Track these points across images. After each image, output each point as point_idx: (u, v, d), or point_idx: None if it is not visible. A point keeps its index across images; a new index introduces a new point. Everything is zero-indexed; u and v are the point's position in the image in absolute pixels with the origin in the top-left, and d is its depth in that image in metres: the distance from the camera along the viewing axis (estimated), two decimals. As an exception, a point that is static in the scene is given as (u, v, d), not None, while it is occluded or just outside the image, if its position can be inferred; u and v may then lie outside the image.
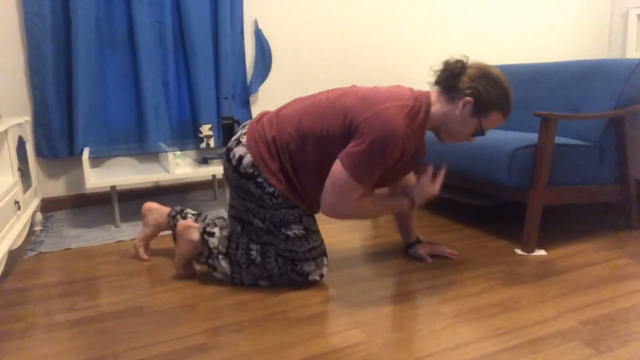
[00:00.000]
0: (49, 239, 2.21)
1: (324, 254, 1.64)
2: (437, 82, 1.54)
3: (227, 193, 1.73)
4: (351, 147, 1.43)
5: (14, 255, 2.03)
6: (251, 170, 1.53)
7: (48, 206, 2.68)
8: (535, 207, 1.87)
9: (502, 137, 2.00)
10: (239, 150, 1.56)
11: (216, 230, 1.67)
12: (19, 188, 1.99)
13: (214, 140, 2.70)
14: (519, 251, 1.92)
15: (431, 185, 1.59)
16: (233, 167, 1.57)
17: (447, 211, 2.51)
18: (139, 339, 1.36)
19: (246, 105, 3.01)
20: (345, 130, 1.46)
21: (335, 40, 3.20)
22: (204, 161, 2.66)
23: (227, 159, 1.60)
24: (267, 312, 1.48)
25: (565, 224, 2.26)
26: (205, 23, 2.75)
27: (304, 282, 1.64)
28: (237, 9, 2.86)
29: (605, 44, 4.11)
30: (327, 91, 1.60)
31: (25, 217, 1.99)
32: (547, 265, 1.78)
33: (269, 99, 3.09)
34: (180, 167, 2.62)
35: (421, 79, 3.49)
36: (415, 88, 3.49)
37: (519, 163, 1.86)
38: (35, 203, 2.25)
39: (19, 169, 2.05)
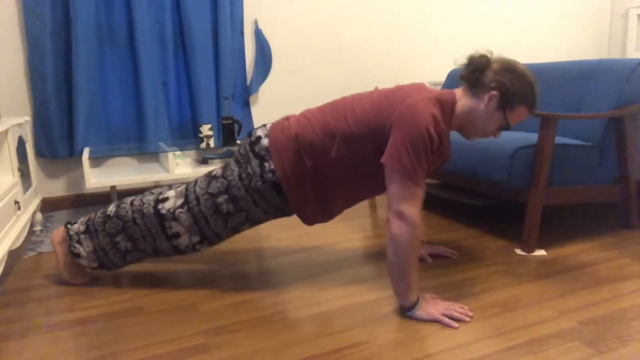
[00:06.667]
0: (49, 238, 2.21)
1: (209, 246, 1.64)
2: (462, 77, 1.53)
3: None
4: (391, 146, 1.41)
5: (14, 255, 2.03)
6: (263, 153, 1.54)
7: (48, 206, 2.68)
8: (535, 207, 1.87)
9: (502, 137, 2.00)
10: (260, 131, 1.59)
11: (79, 220, 1.70)
12: (19, 188, 1.99)
13: (214, 140, 2.71)
14: (519, 251, 1.92)
15: (436, 309, 1.43)
16: (250, 142, 1.59)
17: (447, 211, 2.51)
18: (139, 339, 1.36)
19: (246, 105, 3.01)
20: (375, 129, 1.45)
21: (335, 40, 3.20)
22: (204, 161, 2.66)
23: (248, 135, 1.62)
24: (267, 312, 1.48)
25: (565, 224, 2.26)
26: (205, 23, 2.75)
27: (158, 232, 1.59)
28: (237, 9, 2.86)
29: (605, 44, 4.11)
30: (351, 95, 1.60)
31: (25, 217, 1.99)
32: (547, 265, 1.78)
33: (269, 99, 3.09)
34: (180, 167, 2.62)
35: (421, 78, 3.49)
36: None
37: (519, 163, 1.86)
38: (35, 203, 2.25)
39: (19, 169, 2.05)
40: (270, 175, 1.51)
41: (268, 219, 1.63)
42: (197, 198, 1.57)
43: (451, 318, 1.40)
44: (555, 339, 1.29)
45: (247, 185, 1.54)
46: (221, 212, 1.56)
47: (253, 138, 1.58)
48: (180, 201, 1.58)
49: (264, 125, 1.62)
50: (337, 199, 1.57)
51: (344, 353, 1.26)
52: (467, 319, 1.40)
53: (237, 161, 1.59)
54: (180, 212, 1.57)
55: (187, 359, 1.25)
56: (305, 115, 1.58)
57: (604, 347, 1.25)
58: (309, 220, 1.61)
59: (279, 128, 1.56)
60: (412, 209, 1.38)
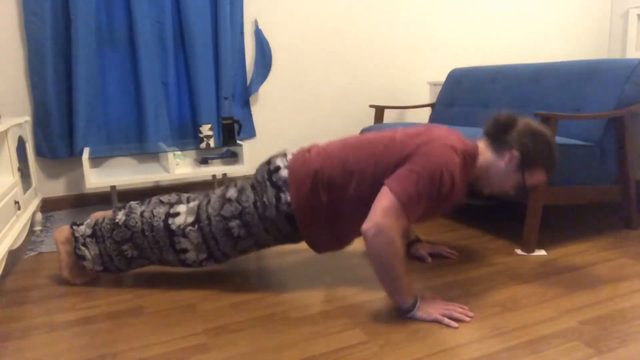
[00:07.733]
0: (49, 239, 2.21)
1: (215, 263, 1.64)
2: (487, 134, 1.55)
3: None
4: (400, 172, 1.39)
5: (14, 255, 2.03)
6: (281, 184, 1.54)
7: (48, 206, 2.68)
8: (535, 207, 1.87)
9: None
10: (279, 162, 1.58)
11: (85, 222, 1.69)
12: (19, 188, 1.99)
13: (214, 140, 2.71)
14: (519, 251, 1.92)
15: (436, 309, 1.43)
16: (268, 170, 1.57)
17: (447, 211, 2.51)
18: (139, 339, 1.36)
19: (246, 105, 3.01)
20: (394, 169, 1.43)
21: (335, 40, 3.20)
22: (204, 161, 2.66)
23: (267, 162, 1.61)
24: (267, 312, 1.48)
25: (565, 224, 2.26)
26: (205, 23, 2.76)
27: (166, 245, 1.58)
28: (237, 9, 2.86)
29: (605, 44, 4.12)
30: (375, 133, 1.59)
31: (25, 217, 1.99)
32: (547, 265, 1.78)
33: (269, 99, 3.09)
34: (180, 167, 2.62)
35: (420, 78, 3.49)
36: (416, 89, 3.49)
37: (519, 163, 1.86)
38: (35, 203, 2.25)
39: (19, 169, 2.05)
40: (285, 207, 1.52)
41: (276, 245, 1.64)
42: (208, 218, 1.56)
43: (451, 318, 1.40)
44: (555, 339, 1.29)
45: (261, 213, 1.53)
46: (232, 235, 1.56)
47: (272, 167, 1.57)
48: (191, 218, 1.58)
49: (284, 155, 1.60)
50: (349, 231, 1.56)
51: (344, 353, 1.26)
52: (467, 319, 1.40)
53: (253, 187, 1.58)
54: (190, 230, 1.57)
55: (187, 359, 1.25)
56: (326, 149, 1.57)
57: (604, 347, 1.25)
58: (320, 249, 1.62)
59: (300, 161, 1.55)
60: (392, 229, 1.34)
